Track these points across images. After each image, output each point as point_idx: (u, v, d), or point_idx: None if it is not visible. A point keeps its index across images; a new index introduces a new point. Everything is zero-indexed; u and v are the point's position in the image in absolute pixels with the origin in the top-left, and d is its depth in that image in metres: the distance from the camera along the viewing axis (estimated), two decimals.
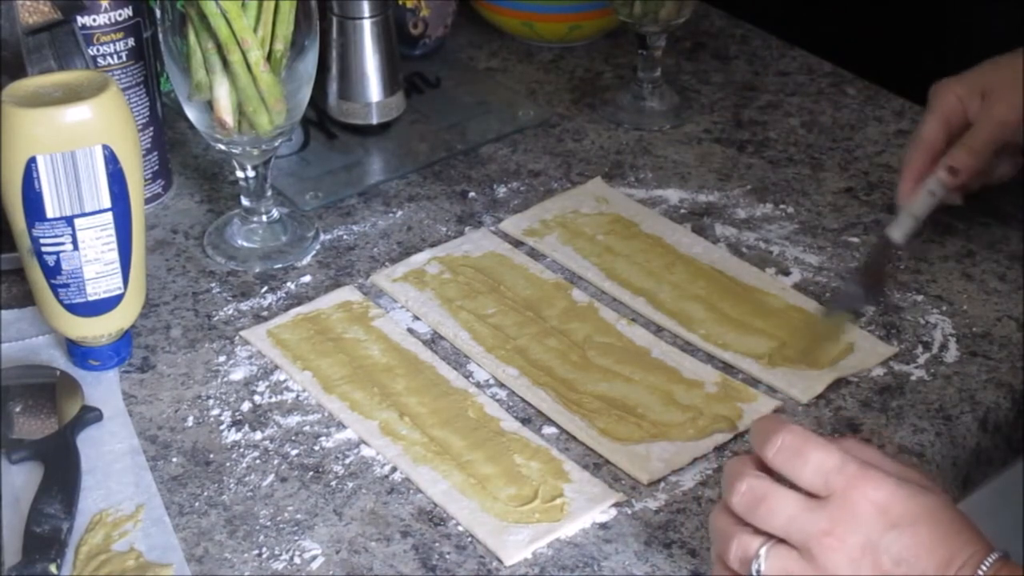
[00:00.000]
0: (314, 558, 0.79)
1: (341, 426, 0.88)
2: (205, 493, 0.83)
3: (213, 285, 1.01)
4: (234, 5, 0.93)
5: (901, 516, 0.67)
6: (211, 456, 0.86)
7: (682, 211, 1.09)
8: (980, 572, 0.66)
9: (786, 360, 0.92)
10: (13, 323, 0.96)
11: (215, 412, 0.89)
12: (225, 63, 0.95)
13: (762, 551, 0.68)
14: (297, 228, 1.06)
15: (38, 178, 0.84)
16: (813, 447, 0.68)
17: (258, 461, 0.85)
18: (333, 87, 1.15)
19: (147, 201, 1.07)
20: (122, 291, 0.90)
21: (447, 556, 0.79)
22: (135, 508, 0.82)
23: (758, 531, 0.69)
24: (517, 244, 1.05)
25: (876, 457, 0.70)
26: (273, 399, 0.90)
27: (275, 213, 1.05)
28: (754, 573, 0.68)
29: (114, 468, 0.85)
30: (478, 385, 0.92)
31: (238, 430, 0.88)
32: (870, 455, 0.70)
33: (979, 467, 0.90)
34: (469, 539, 0.80)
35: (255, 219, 1.05)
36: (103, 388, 0.91)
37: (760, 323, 0.96)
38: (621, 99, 1.23)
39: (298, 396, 0.90)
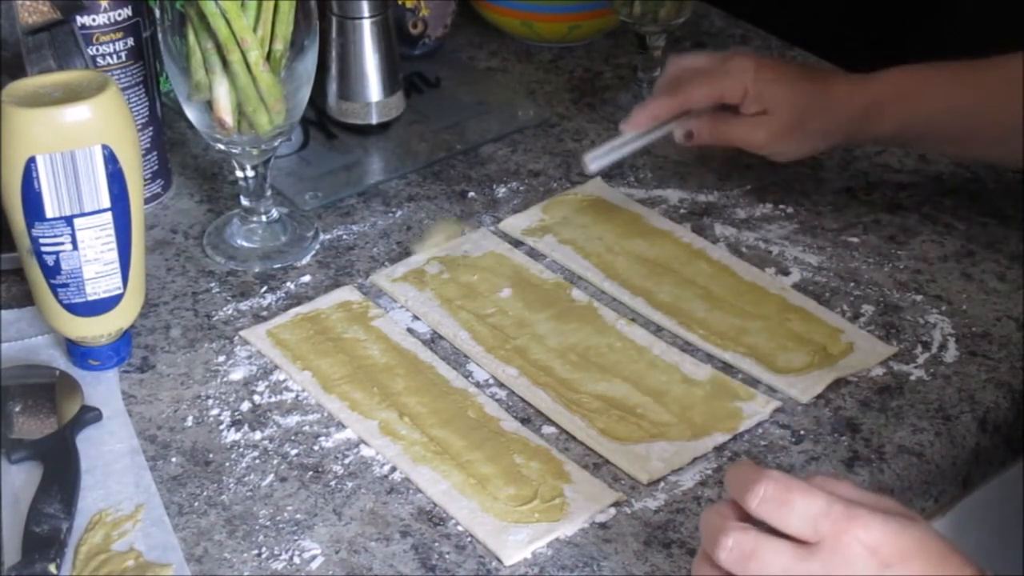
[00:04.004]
0: (314, 558, 0.79)
1: (341, 426, 0.88)
2: (204, 493, 0.83)
3: (212, 285, 1.01)
4: (233, 5, 0.93)
5: (892, 554, 0.66)
6: (210, 456, 0.86)
7: (682, 211, 1.09)
8: None
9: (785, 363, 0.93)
10: (13, 323, 0.96)
11: (214, 412, 0.89)
12: (225, 63, 0.95)
13: None
14: (297, 228, 1.06)
15: (37, 178, 0.84)
16: (797, 494, 0.66)
17: (258, 461, 0.85)
18: (333, 87, 1.15)
19: (146, 201, 1.07)
20: (121, 291, 0.90)
21: (447, 556, 0.79)
22: (135, 508, 0.82)
23: None
24: (517, 244, 1.05)
25: (853, 491, 0.69)
26: (272, 399, 0.90)
27: (275, 213, 1.05)
28: None
29: (114, 468, 0.85)
30: (478, 385, 0.92)
31: (237, 430, 0.88)
32: (845, 490, 0.68)
33: (979, 467, 0.90)
34: (469, 539, 0.80)
35: (255, 219, 1.05)
36: (103, 388, 0.91)
37: (760, 323, 0.96)
38: (621, 99, 1.23)
39: (298, 396, 0.90)
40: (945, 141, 1.02)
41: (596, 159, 0.98)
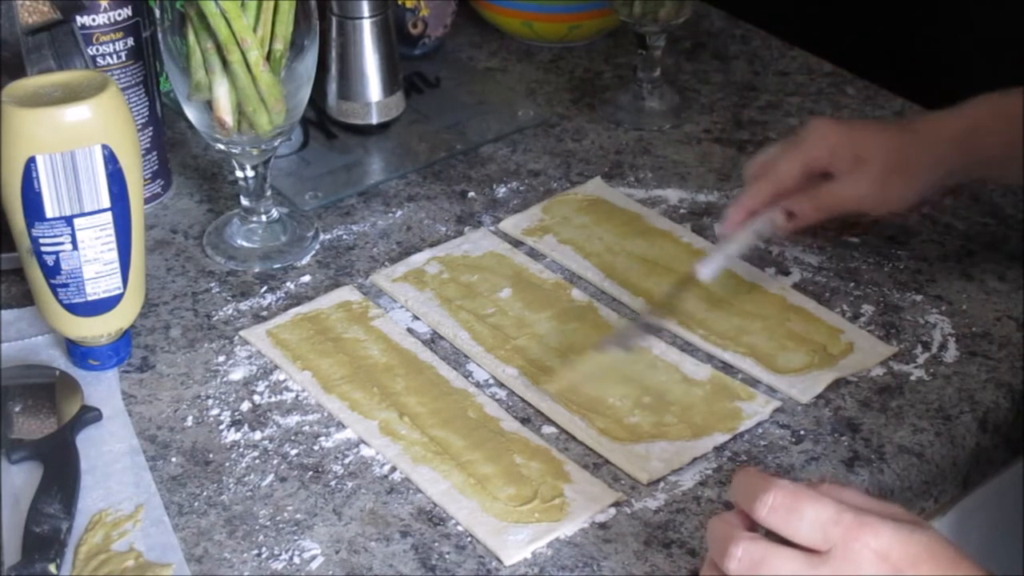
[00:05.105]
0: (313, 558, 0.79)
1: (341, 426, 0.88)
2: (204, 493, 0.83)
3: (212, 285, 1.01)
4: (233, 5, 0.93)
5: (902, 560, 0.66)
6: (210, 456, 0.86)
7: (682, 211, 1.09)
8: None
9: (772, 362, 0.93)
10: (13, 323, 0.96)
11: (214, 412, 0.89)
12: (224, 63, 0.95)
13: None
14: (296, 228, 1.06)
15: (37, 178, 0.84)
16: (806, 502, 0.67)
17: (257, 461, 0.85)
18: (333, 87, 1.15)
19: (146, 201, 1.07)
20: (121, 291, 0.90)
21: (447, 556, 0.79)
22: (134, 508, 0.82)
23: None
24: (517, 244, 1.05)
25: (859, 498, 0.69)
26: (272, 399, 0.90)
27: (274, 213, 1.05)
28: None
29: (113, 468, 0.85)
30: (478, 385, 0.91)
31: (237, 430, 0.88)
32: (852, 497, 0.69)
33: (979, 467, 0.90)
34: (469, 539, 0.80)
35: (254, 219, 1.05)
36: (103, 388, 0.91)
37: (760, 323, 0.96)
38: (621, 99, 1.23)
39: (297, 396, 0.90)
40: None
41: (706, 265, 0.90)
